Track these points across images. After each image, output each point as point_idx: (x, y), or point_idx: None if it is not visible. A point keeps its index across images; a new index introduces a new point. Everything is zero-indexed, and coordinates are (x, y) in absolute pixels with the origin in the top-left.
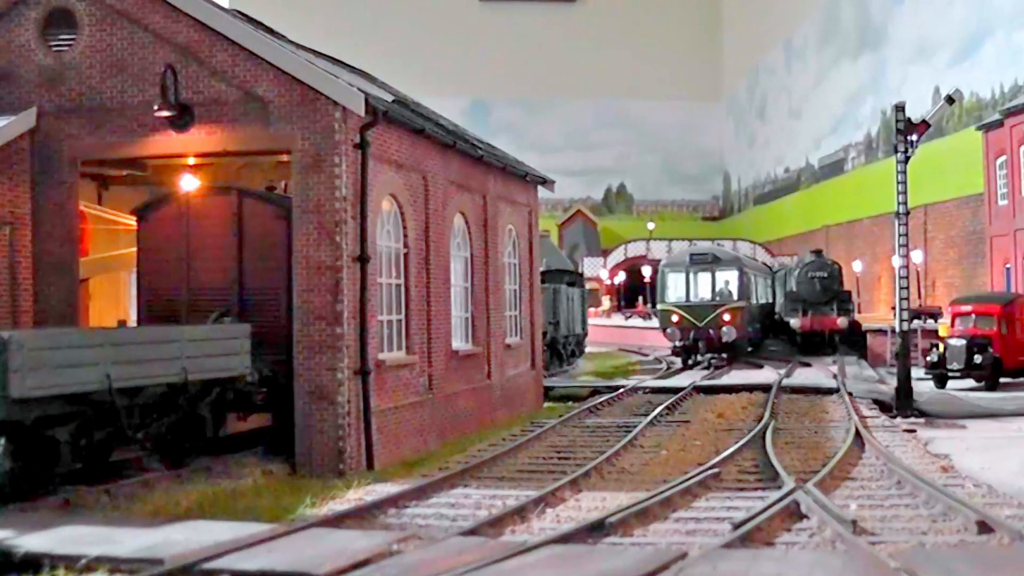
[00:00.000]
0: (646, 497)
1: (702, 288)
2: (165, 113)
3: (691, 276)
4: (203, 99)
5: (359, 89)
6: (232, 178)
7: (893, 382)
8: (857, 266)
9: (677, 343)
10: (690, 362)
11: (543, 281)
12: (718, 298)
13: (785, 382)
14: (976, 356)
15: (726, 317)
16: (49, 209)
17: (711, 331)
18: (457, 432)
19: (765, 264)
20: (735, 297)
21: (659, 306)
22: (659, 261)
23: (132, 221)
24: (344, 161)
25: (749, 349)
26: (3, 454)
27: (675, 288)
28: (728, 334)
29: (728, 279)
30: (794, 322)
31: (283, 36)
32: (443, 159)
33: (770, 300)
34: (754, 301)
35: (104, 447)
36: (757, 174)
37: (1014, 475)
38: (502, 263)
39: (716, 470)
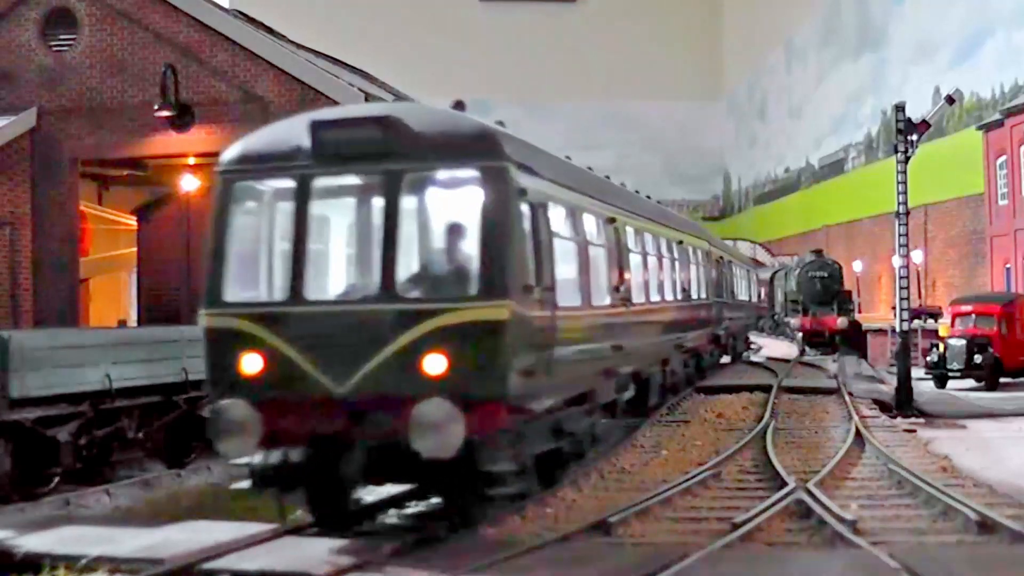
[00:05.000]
0: (646, 497)
1: (364, 253)
2: (165, 113)
3: (309, 206)
4: (203, 99)
5: (359, 89)
6: None
7: (893, 382)
8: (857, 266)
9: (267, 465)
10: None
11: None
12: (416, 289)
13: (785, 382)
14: (976, 356)
15: (434, 365)
16: (49, 209)
17: (387, 423)
18: None
19: (701, 227)
20: (505, 277)
21: (203, 314)
22: None
23: (132, 221)
24: None
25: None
26: (3, 454)
27: (256, 257)
28: (439, 430)
29: (455, 211)
30: (794, 322)
31: (283, 36)
32: None
33: (710, 296)
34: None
35: (104, 447)
36: (757, 174)
37: (1014, 475)
38: None
39: (716, 470)
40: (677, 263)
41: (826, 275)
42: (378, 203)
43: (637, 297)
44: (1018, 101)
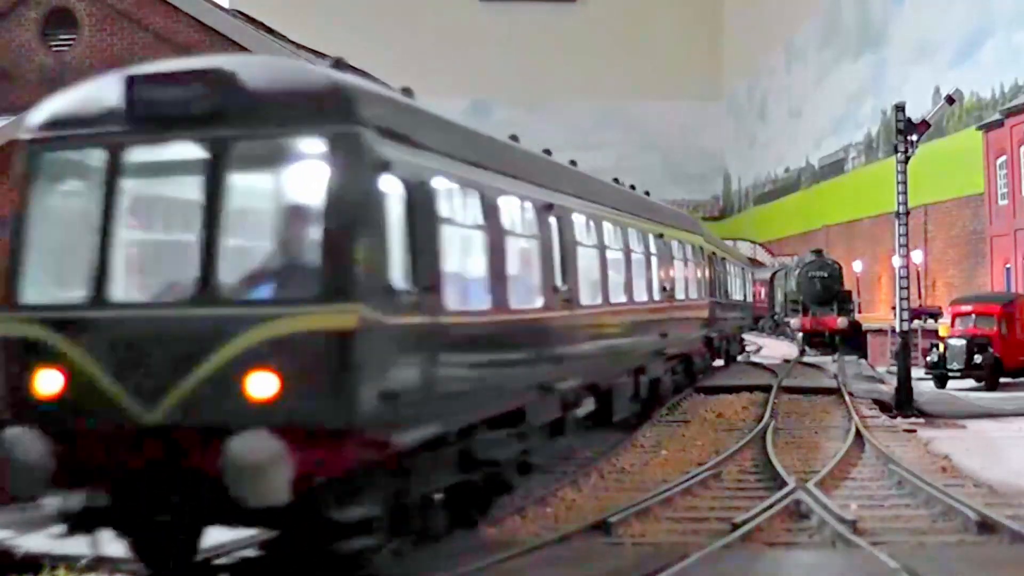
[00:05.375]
0: (646, 497)
1: (184, 244)
2: None
3: (118, 182)
4: None
5: None
6: None
7: (893, 382)
8: (857, 266)
9: (71, 508)
10: None
11: None
12: (243, 290)
13: (785, 382)
14: (976, 356)
15: (261, 386)
16: None
17: (203, 459)
18: None
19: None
20: (353, 274)
21: None
22: None
23: None
24: None
25: None
26: None
27: (61, 247)
28: (257, 471)
29: (296, 189)
30: (794, 322)
31: (283, 36)
32: None
33: (702, 295)
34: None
35: None
36: (757, 174)
37: (1014, 475)
38: None
39: (716, 470)
40: (656, 259)
41: (826, 275)
42: (201, 180)
43: (589, 298)
44: (1018, 101)
